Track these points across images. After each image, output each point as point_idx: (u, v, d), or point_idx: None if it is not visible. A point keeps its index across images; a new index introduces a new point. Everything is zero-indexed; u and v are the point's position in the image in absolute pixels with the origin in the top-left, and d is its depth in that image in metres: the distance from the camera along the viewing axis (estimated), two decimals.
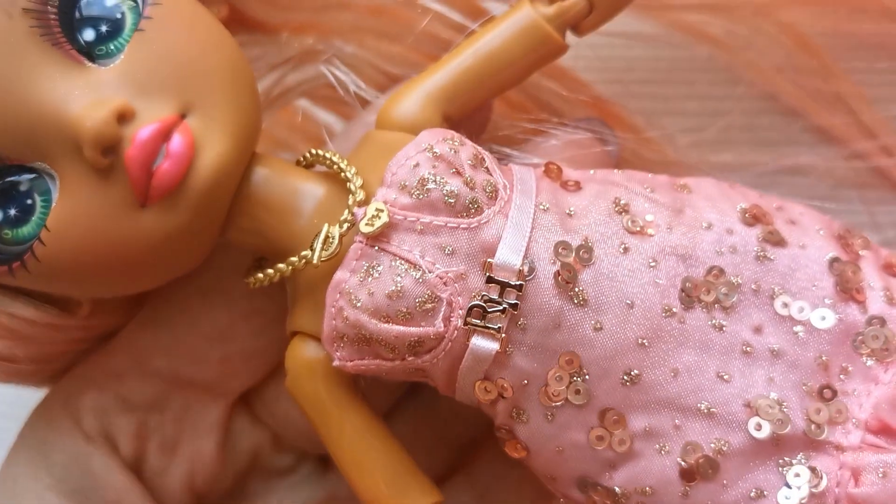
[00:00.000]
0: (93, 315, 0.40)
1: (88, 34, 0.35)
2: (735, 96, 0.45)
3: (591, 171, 0.38)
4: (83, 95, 0.33)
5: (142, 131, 0.33)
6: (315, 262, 0.35)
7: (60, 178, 0.34)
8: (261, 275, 0.37)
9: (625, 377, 0.35)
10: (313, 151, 0.38)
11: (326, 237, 0.36)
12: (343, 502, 0.43)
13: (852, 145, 0.44)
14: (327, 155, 0.38)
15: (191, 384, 0.41)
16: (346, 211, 0.35)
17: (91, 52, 0.34)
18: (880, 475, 0.34)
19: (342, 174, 0.37)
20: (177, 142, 0.33)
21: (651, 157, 0.43)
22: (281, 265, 0.36)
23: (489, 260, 0.34)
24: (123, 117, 0.33)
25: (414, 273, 0.34)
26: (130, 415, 0.41)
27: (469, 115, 0.39)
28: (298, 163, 0.39)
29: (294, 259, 0.36)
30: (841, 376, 0.36)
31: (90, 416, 0.41)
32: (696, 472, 0.35)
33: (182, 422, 0.42)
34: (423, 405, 0.44)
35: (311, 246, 0.36)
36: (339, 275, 0.35)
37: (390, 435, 0.38)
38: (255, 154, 0.37)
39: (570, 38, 0.39)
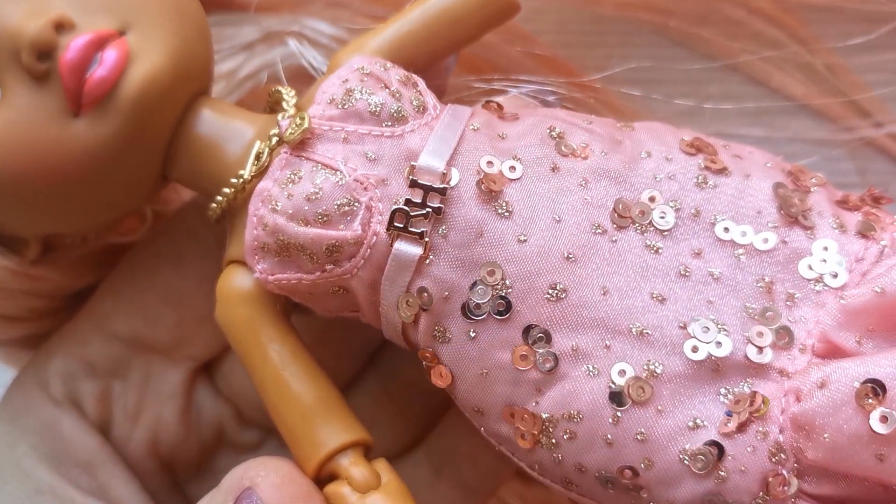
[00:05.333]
0: (44, 264, 0.40)
1: None
2: (711, 68, 0.44)
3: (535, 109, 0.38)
4: (25, 8, 0.35)
5: (77, 39, 0.34)
6: (247, 175, 0.36)
7: (1, 89, 0.35)
8: (214, 204, 0.37)
9: (550, 291, 0.33)
10: (272, 90, 0.39)
11: (258, 154, 0.36)
12: None
13: (834, 115, 0.43)
14: (276, 88, 0.38)
15: (150, 348, 0.42)
16: (276, 126, 0.36)
17: None
18: (818, 386, 0.31)
19: (281, 98, 0.37)
20: (110, 51, 0.35)
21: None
22: (225, 189, 0.37)
23: (412, 163, 0.34)
24: (61, 26, 0.35)
25: (333, 177, 0.34)
26: (95, 380, 0.41)
27: (422, 71, 0.40)
28: (265, 109, 0.40)
29: (234, 180, 0.36)
30: (787, 302, 0.34)
31: (57, 381, 0.41)
32: (626, 396, 0.33)
33: (144, 389, 0.42)
34: (383, 378, 0.44)
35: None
36: (262, 184, 0.35)
37: (319, 370, 0.37)
38: (204, 96, 0.38)
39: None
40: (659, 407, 0.33)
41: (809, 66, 0.44)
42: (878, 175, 0.45)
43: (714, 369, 0.33)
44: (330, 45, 0.44)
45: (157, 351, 0.42)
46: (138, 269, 0.42)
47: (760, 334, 0.33)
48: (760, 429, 0.32)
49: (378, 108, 0.35)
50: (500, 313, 0.34)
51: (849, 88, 0.44)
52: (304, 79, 0.45)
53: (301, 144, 0.35)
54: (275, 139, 0.36)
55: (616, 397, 0.33)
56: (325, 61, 0.44)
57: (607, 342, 0.33)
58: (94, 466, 0.41)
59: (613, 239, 0.34)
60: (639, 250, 0.34)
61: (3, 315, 0.42)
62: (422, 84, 0.37)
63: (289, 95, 0.37)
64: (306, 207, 0.34)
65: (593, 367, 0.33)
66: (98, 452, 0.41)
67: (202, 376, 0.43)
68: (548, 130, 0.36)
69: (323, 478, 0.36)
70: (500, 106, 0.38)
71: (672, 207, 0.35)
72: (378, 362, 0.44)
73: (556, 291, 0.33)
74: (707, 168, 0.35)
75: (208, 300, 0.41)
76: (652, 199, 0.35)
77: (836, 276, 0.34)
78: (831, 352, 0.33)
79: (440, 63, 0.41)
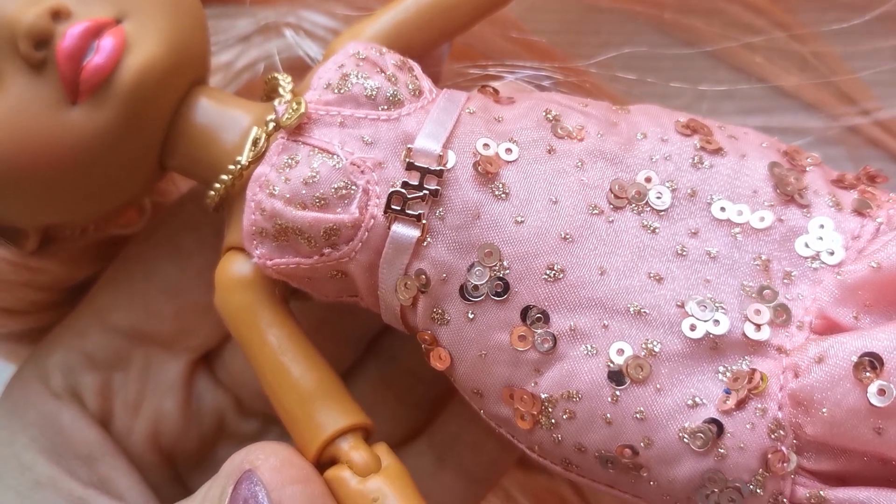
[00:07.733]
0: (43, 256, 0.41)
1: None
2: (707, 66, 0.44)
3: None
4: None
5: (74, 27, 0.35)
6: (244, 161, 0.36)
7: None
8: (211, 192, 0.37)
9: (548, 272, 0.33)
10: (268, 77, 0.39)
11: (255, 139, 0.36)
12: None
13: (829, 109, 0.43)
14: (273, 75, 0.38)
15: (149, 339, 0.42)
16: (273, 112, 0.36)
17: None
18: (816, 361, 0.31)
19: (278, 84, 0.37)
20: (107, 39, 0.35)
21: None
22: (223, 176, 0.37)
23: (409, 146, 0.34)
24: (58, 14, 0.35)
25: (330, 161, 0.34)
26: (95, 372, 0.41)
27: (416, 59, 0.40)
28: (261, 98, 0.40)
29: (232, 167, 0.36)
30: (784, 280, 0.34)
31: (57, 374, 0.41)
32: (625, 374, 0.33)
33: (144, 381, 0.42)
34: (383, 366, 0.44)
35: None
36: (260, 169, 0.35)
37: (318, 355, 0.37)
38: (201, 85, 0.38)
39: None
40: (658, 385, 0.33)
41: (805, 58, 0.45)
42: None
43: (712, 347, 0.33)
44: (326, 37, 0.45)
45: (156, 343, 0.42)
46: (137, 260, 0.42)
47: (758, 312, 0.33)
48: (759, 406, 0.32)
49: (374, 92, 0.35)
50: (497, 294, 0.34)
51: (844, 80, 0.44)
52: (300, 70, 0.45)
53: (298, 129, 0.35)
54: (272, 124, 0.36)
55: (615, 376, 0.33)
56: (322, 52, 0.44)
57: (605, 322, 0.33)
58: (95, 459, 0.41)
59: (610, 219, 0.34)
60: (636, 230, 0.34)
61: (2, 308, 0.42)
62: (417, 68, 0.37)
63: (285, 81, 0.37)
64: (304, 191, 0.34)
65: (591, 346, 0.33)
66: (98, 445, 0.41)
67: (202, 367, 0.43)
68: (544, 113, 0.36)
69: (324, 462, 0.36)
70: (495, 90, 0.38)
71: (668, 188, 0.35)
72: (378, 349, 0.44)
73: (553, 272, 0.33)
74: (703, 148, 0.35)
75: (207, 291, 0.41)
76: (648, 180, 0.35)
77: (832, 253, 0.34)
78: (829, 328, 0.33)
79: (434, 51, 0.41)
